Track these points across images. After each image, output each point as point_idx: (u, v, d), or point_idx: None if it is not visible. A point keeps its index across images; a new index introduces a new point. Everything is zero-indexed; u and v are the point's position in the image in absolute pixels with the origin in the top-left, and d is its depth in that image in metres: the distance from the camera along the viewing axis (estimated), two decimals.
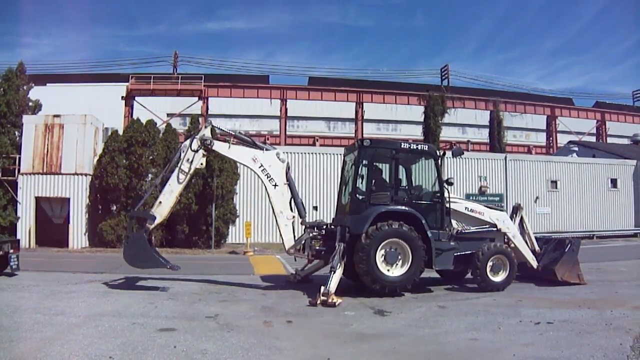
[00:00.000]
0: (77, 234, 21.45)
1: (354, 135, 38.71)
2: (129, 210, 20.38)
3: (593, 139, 44.04)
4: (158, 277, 11.36)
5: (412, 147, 11.06)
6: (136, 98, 36.25)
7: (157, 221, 10.53)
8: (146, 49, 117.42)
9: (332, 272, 9.35)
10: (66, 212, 21.70)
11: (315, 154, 25.88)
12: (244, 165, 11.60)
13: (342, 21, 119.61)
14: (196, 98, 36.48)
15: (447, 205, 10.44)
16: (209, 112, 36.05)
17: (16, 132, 22.98)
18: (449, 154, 10.92)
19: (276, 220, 10.73)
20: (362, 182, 10.58)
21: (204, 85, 36.23)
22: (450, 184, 10.48)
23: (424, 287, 10.59)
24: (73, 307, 8.45)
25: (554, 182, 29.07)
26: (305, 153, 25.67)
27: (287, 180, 10.80)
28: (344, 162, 11.63)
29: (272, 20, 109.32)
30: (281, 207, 10.64)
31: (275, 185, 10.66)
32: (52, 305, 8.61)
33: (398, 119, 44.62)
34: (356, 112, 39.26)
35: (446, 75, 42.30)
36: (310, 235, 10.74)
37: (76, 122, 22.00)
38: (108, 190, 21.42)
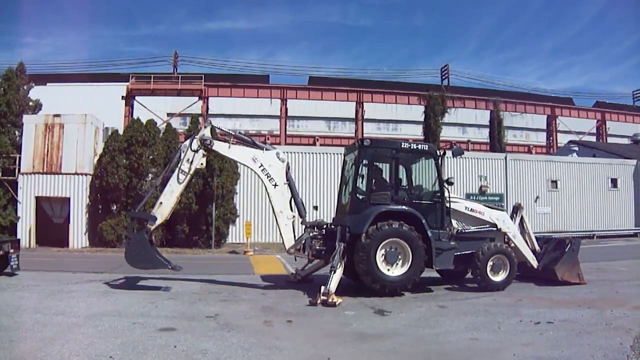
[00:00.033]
0: (77, 234, 21.46)
1: (354, 135, 38.71)
2: (130, 211, 20.42)
3: (593, 138, 44.03)
4: (158, 277, 11.37)
5: (412, 147, 11.06)
6: (136, 98, 36.26)
7: (158, 222, 10.52)
8: (146, 49, 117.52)
9: (332, 272, 9.35)
10: (66, 212, 21.71)
11: (315, 153, 25.87)
12: (244, 165, 11.60)
13: (342, 21, 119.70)
14: (196, 98, 36.48)
15: (448, 205, 10.43)
16: (209, 112, 36.05)
17: (16, 132, 23.00)
18: (449, 153, 10.91)
19: (276, 220, 10.72)
20: (362, 182, 10.58)
21: (204, 85, 36.24)
22: (451, 183, 10.48)
23: (424, 287, 10.58)
24: (73, 307, 8.45)
25: (554, 182, 29.07)
26: (305, 153, 25.67)
27: (287, 180, 10.79)
28: (344, 162, 11.63)
29: (272, 20, 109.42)
30: (281, 207, 10.63)
31: (275, 185, 10.66)
32: (52, 305, 8.61)
33: (398, 119, 44.62)
34: (356, 111, 39.25)
35: (446, 75, 42.31)
36: (311, 235, 10.74)
37: (76, 121, 22.02)
38: (108, 190, 21.43)
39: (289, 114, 39.07)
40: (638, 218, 30.41)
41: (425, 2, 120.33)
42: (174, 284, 10.97)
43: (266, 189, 10.76)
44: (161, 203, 10.52)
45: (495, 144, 37.89)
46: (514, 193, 27.55)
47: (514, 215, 11.81)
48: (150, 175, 21.61)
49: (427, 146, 11.18)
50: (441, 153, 10.78)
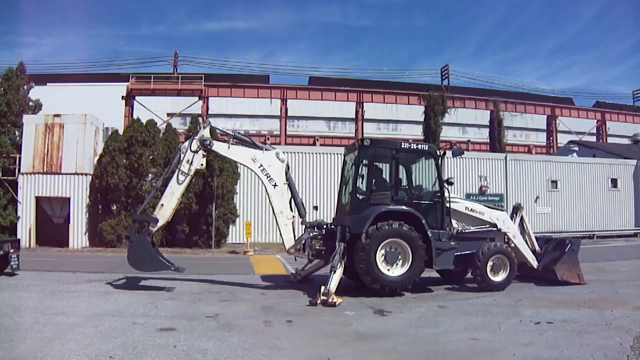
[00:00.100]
0: (77, 234, 21.47)
1: (354, 135, 38.71)
2: (130, 211, 20.49)
3: (593, 138, 44.02)
4: (158, 277, 11.36)
5: (412, 147, 11.06)
6: (136, 98, 36.24)
7: (160, 224, 10.50)
8: (146, 49, 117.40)
9: (332, 272, 9.35)
10: (66, 212, 21.72)
11: (316, 153, 25.88)
12: (243, 165, 11.58)
13: (343, 21, 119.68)
14: (196, 98, 36.47)
15: (447, 205, 10.43)
16: (209, 112, 36.07)
17: (16, 132, 23.01)
18: (449, 153, 10.92)
19: (276, 220, 10.72)
20: (362, 182, 10.58)
21: (204, 85, 36.23)
22: (451, 183, 10.48)
23: (424, 287, 10.58)
24: (73, 307, 8.46)
25: (554, 182, 29.07)
26: (305, 153, 25.69)
27: (287, 180, 10.78)
28: (344, 162, 11.63)
29: (272, 20, 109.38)
30: (281, 207, 10.63)
31: (275, 185, 10.65)
32: (53, 305, 8.61)
33: (398, 119, 44.64)
34: (356, 111, 39.24)
35: (446, 75, 42.33)
36: (311, 235, 10.73)
37: (76, 121, 22.02)
38: (108, 190, 21.44)
39: (289, 114, 39.06)
40: (638, 218, 30.42)
41: (425, 2, 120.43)
42: (174, 284, 10.97)
43: (266, 189, 10.76)
44: (162, 205, 10.51)
45: (495, 144, 37.89)
46: (514, 193, 27.55)
47: (514, 215, 11.81)
48: (150, 175, 21.62)
49: (427, 146, 11.18)
50: (441, 153, 10.78)
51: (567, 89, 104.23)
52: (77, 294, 9.71)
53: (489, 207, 11.62)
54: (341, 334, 6.92)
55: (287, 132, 38.59)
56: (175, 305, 8.81)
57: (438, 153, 10.74)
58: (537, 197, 28.42)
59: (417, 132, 38.57)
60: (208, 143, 10.64)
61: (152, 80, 35.87)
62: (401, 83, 43.09)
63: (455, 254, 10.29)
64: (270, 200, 10.74)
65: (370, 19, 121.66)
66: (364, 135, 36.81)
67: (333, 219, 11.45)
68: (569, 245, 11.34)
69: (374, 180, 10.48)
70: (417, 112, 38.88)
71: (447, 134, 40.63)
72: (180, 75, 37.38)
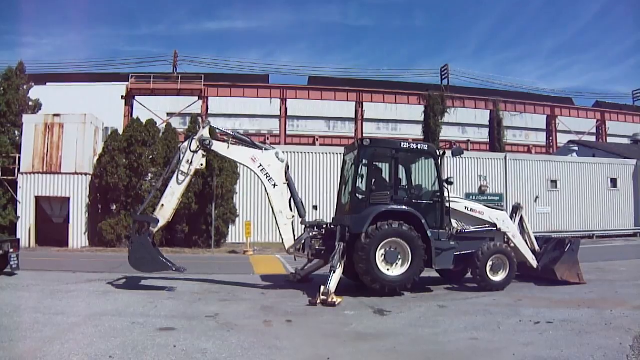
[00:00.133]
0: (77, 234, 21.47)
1: (354, 134, 38.70)
2: (130, 211, 20.50)
3: (593, 138, 44.03)
4: (158, 276, 11.34)
5: (412, 147, 11.07)
6: (136, 97, 36.23)
7: (161, 224, 10.50)
8: (146, 49, 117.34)
9: (332, 272, 9.35)
10: (66, 212, 21.72)
11: (315, 153, 25.89)
12: (243, 165, 11.57)
13: (342, 21, 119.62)
14: (196, 97, 36.47)
15: (447, 204, 10.43)
16: (209, 112, 36.08)
17: (16, 132, 23.02)
18: (448, 153, 10.92)
19: (276, 220, 10.72)
20: (362, 182, 10.58)
21: (204, 85, 36.22)
22: (450, 183, 10.48)
23: (423, 287, 10.58)
24: (73, 307, 8.46)
25: (554, 182, 29.08)
26: (305, 153, 25.69)
27: (287, 180, 10.78)
28: (344, 162, 11.62)
29: (272, 20, 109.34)
30: (281, 207, 10.63)
31: (275, 185, 10.65)
32: (52, 304, 8.61)
33: (398, 119, 44.64)
34: (356, 111, 39.23)
35: (446, 75, 42.34)
36: (310, 234, 10.72)
37: (76, 121, 22.02)
38: (108, 190, 21.44)
39: (288, 114, 39.05)
40: (637, 218, 30.43)
41: (425, 2, 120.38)
42: (174, 283, 10.97)
43: (265, 189, 10.75)
44: (163, 205, 10.50)
45: (495, 143, 37.89)
46: (514, 193, 27.55)
47: (514, 215, 11.81)
48: (150, 175, 21.63)
49: (426, 146, 11.18)
50: (441, 153, 10.79)
51: (567, 89, 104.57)
52: (77, 294, 9.71)
53: (488, 206, 11.61)
54: (341, 334, 6.92)
55: (287, 132, 38.59)
56: (175, 305, 8.81)
57: (438, 153, 10.75)
58: (537, 197, 28.43)
59: (417, 131, 38.57)
60: (208, 143, 10.63)
61: (151, 80, 35.86)
62: (401, 83, 43.13)
63: (455, 253, 10.29)
64: (269, 200, 10.73)
65: (370, 19, 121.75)
66: (364, 135, 36.82)
67: (333, 218, 11.45)
68: (569, 245, 11.34)
69: (373, 180, 10.49)
70: (417, 111, 38.89)
71: (447, 133, 40.63)
72: (180, 75, 37.37)
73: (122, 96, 35.72)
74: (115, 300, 9.11)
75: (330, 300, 8.76)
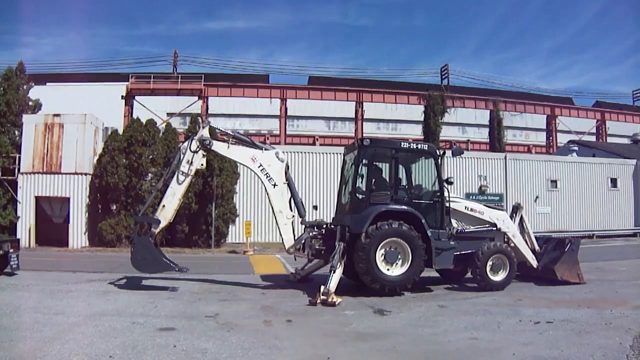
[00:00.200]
0: (77, 234, 21.47)
1: (354, 134, 38.71)
2: (130, 211, 20.50)
3: (593, 138, 44.03)
4: (158, 276, 11.32)
5: (412, 147, 11.07)
6: (136, 97, 36.25)
7: (162, 225, 10.50)
8: (146, 49, 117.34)
9: (332, 272, 9.35)
10: (66, 212, 21.72)
11: (315, 153, 25.88)
12: (243, 165, 11.58)
13: (342, 20, 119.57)
14: (196, 97, 36.49)
15: (447, 204, 10.43)
16: (209, 112, 36.10)
17: (16, 132, 23.01)
18: (448, 153, 10.92)
19: (276, 220, 10.72)
20: (362, 182, 10.59)
21: (204, 85, 36.24)
22: (450, 183, 10.48)
23: (423, 287, 10.58)
24: (73, 307, 8.46)
25: (554, 182, 29.08)
26: (305, 152, 25.68)
27: (287, 180, 10.78)
28: (344, 162, 11.63)
29: (272, 20, 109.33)
30: (280, 207, 10.63)
31: (275, 185, 10.65)
32: (52, 304, 8.61)
33: (398, 119, 44.64)
34: (356, 111, 39.25)
35: (446, 75, 42.34)
36: (310, 234, 10.72)
37: (76, 121, 22.02)
38: (108, 190, 21.44)
39: (288, 114, 39.06)
40: (637, 218, 30.41)
41: (425, 2, 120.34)
42: (173, 283, 10.97)
43: (265, 189, 10.75)
44: (164, 206, 10.49)
45: (495, 143, 37.91)
46: (514, 193, 27.54)
47: (514, 215, 11.81)
48: (150, 175, 21.63)
49: (426, 146, 11.19)
50: (441, 153, 10.79)
51: (567, 89, 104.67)
52: (77, 294, 9.71)
53: (488, 206, 11.61)
54: (341, 334, 6.92)
55: (287, 132, 38.61)
56: (174, 304, 8.81)
57: (438, 153, 10.75)
58: (537, 197, 28.42)
59: (417, 131, 38.60)
60: (208, 143, 10.63)
61: (151, 80, 35.89)
62: (401, 83, 43.14)
63: (455, 253, 10.29)
64: (269, 200, 10.73)
65: (370, 18, 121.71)
66: (364, 134, 36.82)
67: (333, 218, 11.45)
68: (569, 244, 11.34)
69: (373, 180, 10.50)
70: (416, 111, 38.90)
71: (447, 133, 40.64)
72: (180, 75, 37.38)
73: (122, 96, 35.74)
74: (115, 300, 9.11)
75: (330, 300, 8.76)
